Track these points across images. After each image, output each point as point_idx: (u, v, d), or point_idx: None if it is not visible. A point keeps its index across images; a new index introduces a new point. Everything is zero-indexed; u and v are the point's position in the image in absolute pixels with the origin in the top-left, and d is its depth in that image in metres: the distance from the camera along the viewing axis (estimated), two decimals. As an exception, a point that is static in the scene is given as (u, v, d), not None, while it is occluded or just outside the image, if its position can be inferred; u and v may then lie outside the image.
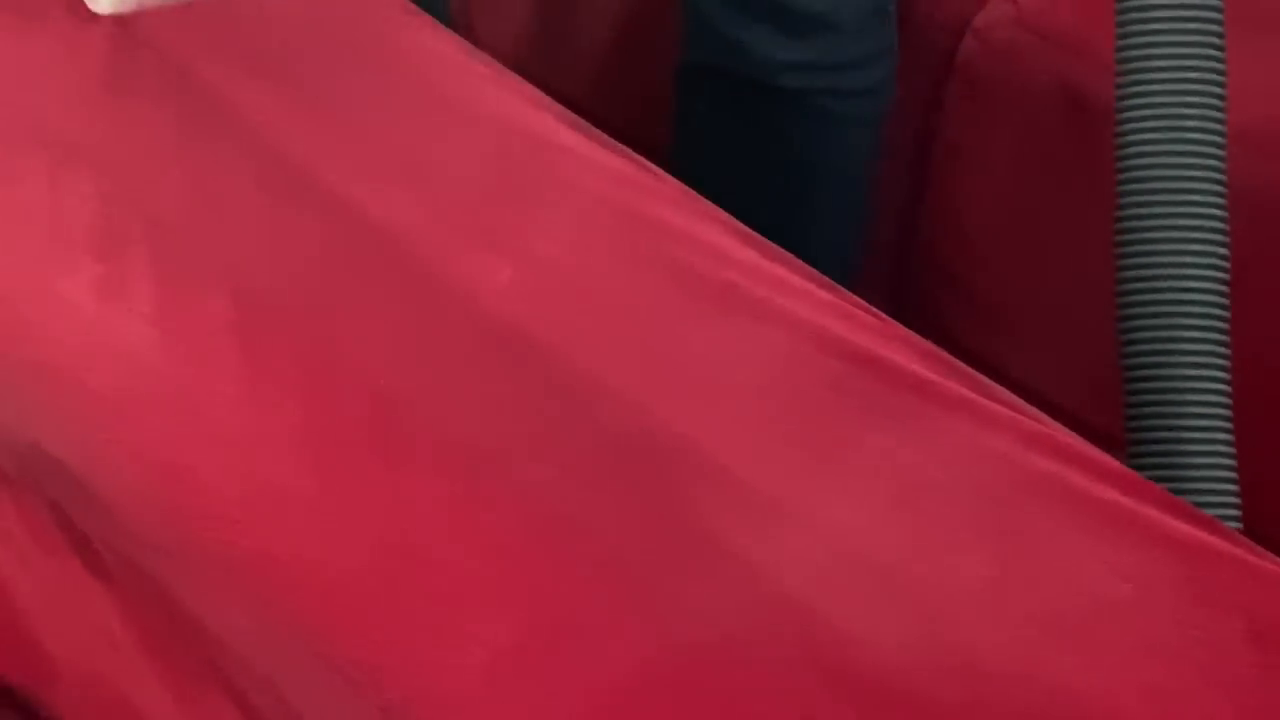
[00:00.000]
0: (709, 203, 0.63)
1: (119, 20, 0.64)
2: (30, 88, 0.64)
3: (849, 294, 0.60)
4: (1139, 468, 0.66)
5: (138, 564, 0.54)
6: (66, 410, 0.56)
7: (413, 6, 0.73)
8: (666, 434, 0.53)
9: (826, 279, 0.61)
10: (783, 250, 0.61)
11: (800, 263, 0.61)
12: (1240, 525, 0.73)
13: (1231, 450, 0.69)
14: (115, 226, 0.59)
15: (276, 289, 0.56)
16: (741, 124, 1.02)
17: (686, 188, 0.62)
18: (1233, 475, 0.69)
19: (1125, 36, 0.67)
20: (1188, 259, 0.68)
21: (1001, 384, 0.57)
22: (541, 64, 1.07)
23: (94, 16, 0.64)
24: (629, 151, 0.62)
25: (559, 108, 0.65)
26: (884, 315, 0.59)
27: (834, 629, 0.46)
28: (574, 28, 1.28)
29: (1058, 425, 0.56)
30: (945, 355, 0.57)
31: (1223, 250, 0.68)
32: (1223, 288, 0.68)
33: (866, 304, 0.60)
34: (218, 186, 0.60)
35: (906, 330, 0.58)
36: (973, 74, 1.07)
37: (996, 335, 1.03)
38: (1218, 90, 0.67)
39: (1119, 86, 0.67)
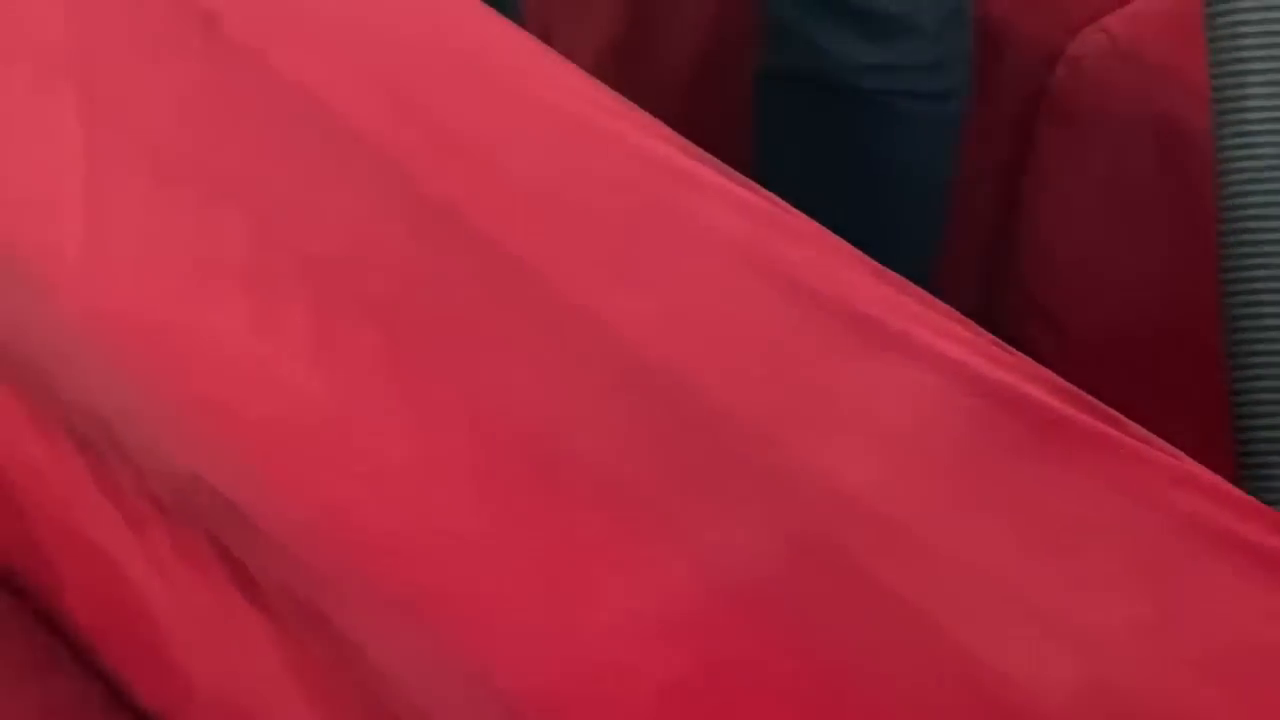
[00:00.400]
0: (838, 237, 0.63)
1: (255, 50, 0.66)
2: (172, 120, 0.65)
3: (983, 331, 0.61)
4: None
5: (298, 595, 0.55)
6: (226, 443, 0.57)
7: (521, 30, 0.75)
8: (816, 472, 0.53)
9: (961, 315, 0.61)
10: (916, 287, 0.62)
11: (934, 299, 0.61)
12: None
13: None
14: (265, 261, 0.60)
15: (428, 324, 0.57)
16: (822, 127, 1.03)
17: (815, 222, 0.63)
18: None
19: (1219, 65, 0.68)
20: None
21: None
22: (620, 75, 1.08)
23: (229, 46, 0.66)
24: (754, 184, 0.63)
25: (679, 137, 0.66)
26: (1019, 353, 0.59)
27: (996, 671, 0.47)
28: (655, 41, 1.29)
29: (1198, 464, 0.57)
30: (1084, 394, 0.57)
31: None
32: None
33: (1001, 341, 0.60)
34: (363, 221, 0.61)
35: (1044, 368, 0.58)
36: (1065, 103, 1.08)
37: (1084, 366, 1.04)
38: None
39: (1216, 116, 0.69)
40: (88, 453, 0.69)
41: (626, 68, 1.24)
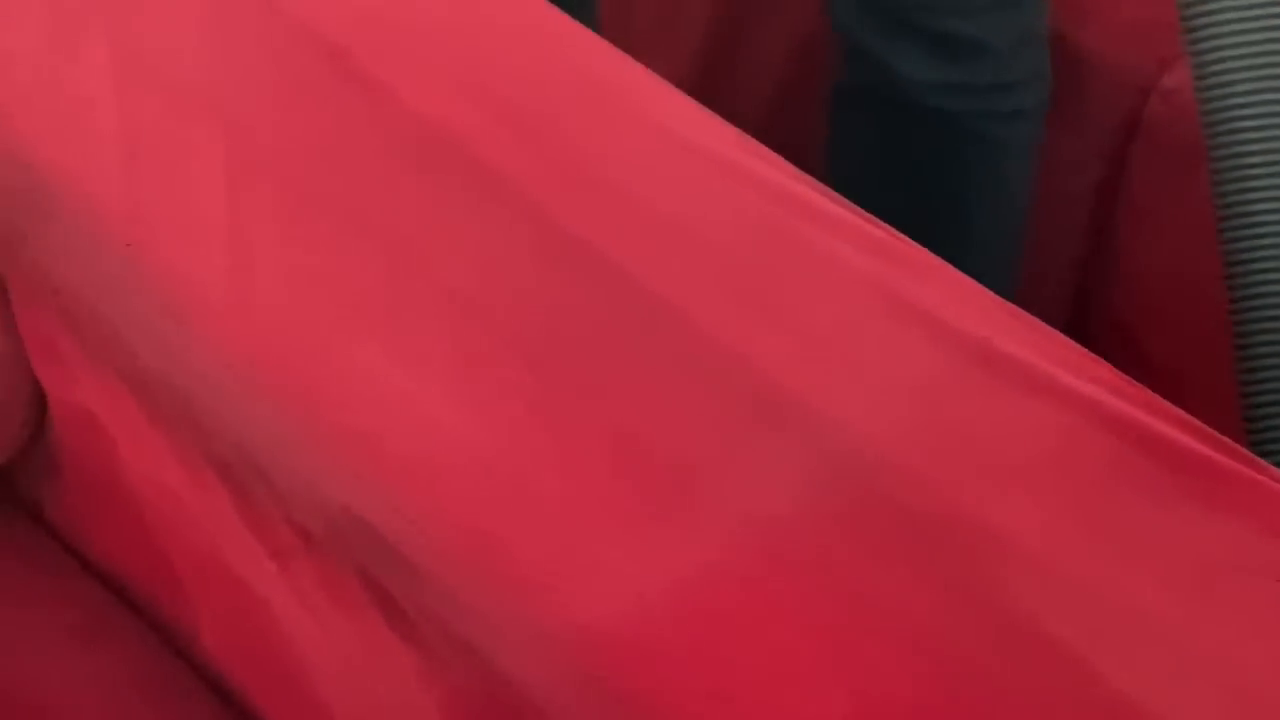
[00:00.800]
0: (961, 273, 0.64)
1: (384, 83, 0.66)
2: (307, 154, 0.66)
3: (1113, 368, 0.61)
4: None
5: (450, 628, 0.56)
6: (375, 475, 0.58)
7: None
8: (961, 511, 0.54)
9: (1090, 354, 0.62)
10: (1042, 323, 0.62)
11: (1061, 335, 0.62)
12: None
13: None
14: (406, 295, 0.61)
15: (567, 358, 0.58)
16: (896, 146, 1.05)
17: (937, 257, 0.63)
18: None
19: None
20: None
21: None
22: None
23: (359, 80, 0.66)
24: (875, 218, 0.64)
25: (796, 170, 0.67)
26: (1149, 390, 0.60)
27: (1154, 717, 0.48)
28: (735, 65, 1.30)
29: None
30: (1218, 435, 0.57)
31: None
32: None
33: (1130, 378, 0.61)
34: (500, 255, 0.62)
35: (1176, 408, 0.59)
36: (1159, 136, 1.08)
37: (1172, 399, 1.04)
38: None
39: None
40: (230, 483, 0.70)
41: (707, 91, 1.26)
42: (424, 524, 0.58)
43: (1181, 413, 0.59)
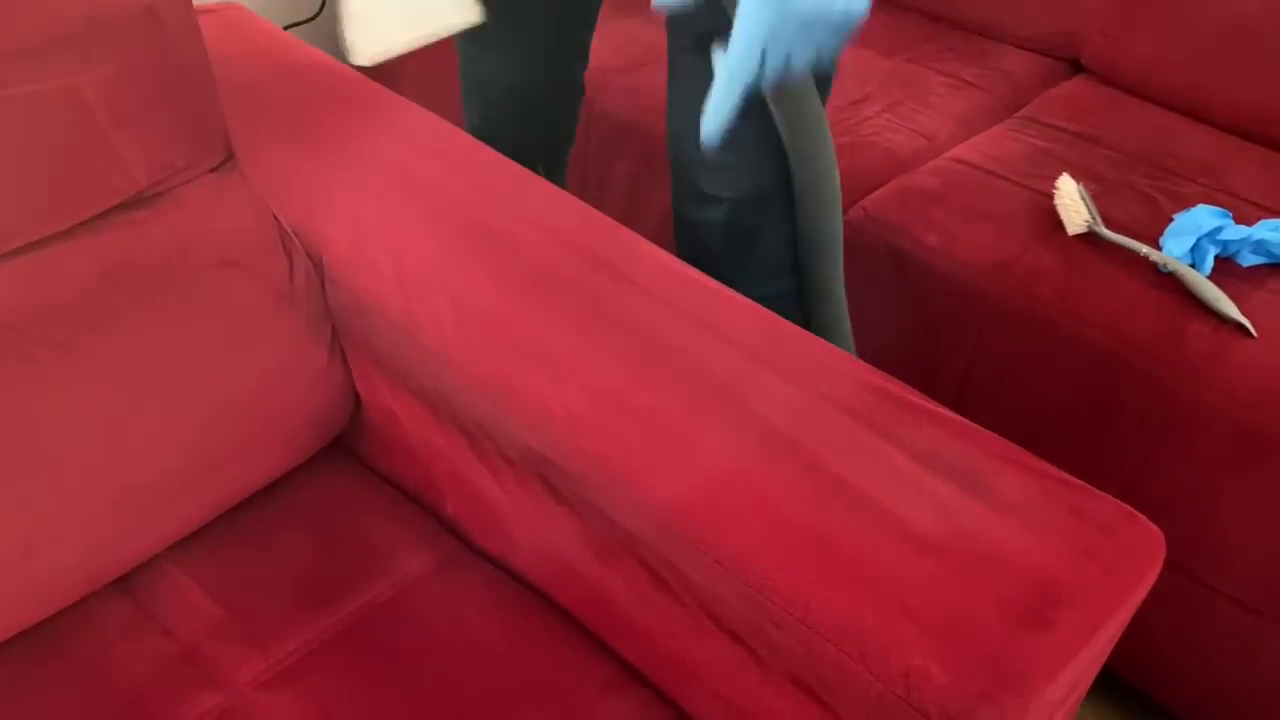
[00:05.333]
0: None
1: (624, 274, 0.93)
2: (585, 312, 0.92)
3: (870, 366, 0.96)
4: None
5: (582, 496, 0.85)
6: (543, 430, 0.87)
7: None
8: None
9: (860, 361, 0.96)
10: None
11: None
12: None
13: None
14: (590, 344, 0.93)
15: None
16: None
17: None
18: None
19: None
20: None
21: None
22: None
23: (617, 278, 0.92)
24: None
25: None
26: (886, 374, 0.94)
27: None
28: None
29: None
30: (916, 392, 0.93)
31: None
32: None
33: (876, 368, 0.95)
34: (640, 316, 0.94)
35: (896, 380, 0.95)
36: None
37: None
38: None
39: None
40: (466, 435, 1.00)
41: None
42: (567, 449, 0.88)
43: (893, 380, 0.91)
